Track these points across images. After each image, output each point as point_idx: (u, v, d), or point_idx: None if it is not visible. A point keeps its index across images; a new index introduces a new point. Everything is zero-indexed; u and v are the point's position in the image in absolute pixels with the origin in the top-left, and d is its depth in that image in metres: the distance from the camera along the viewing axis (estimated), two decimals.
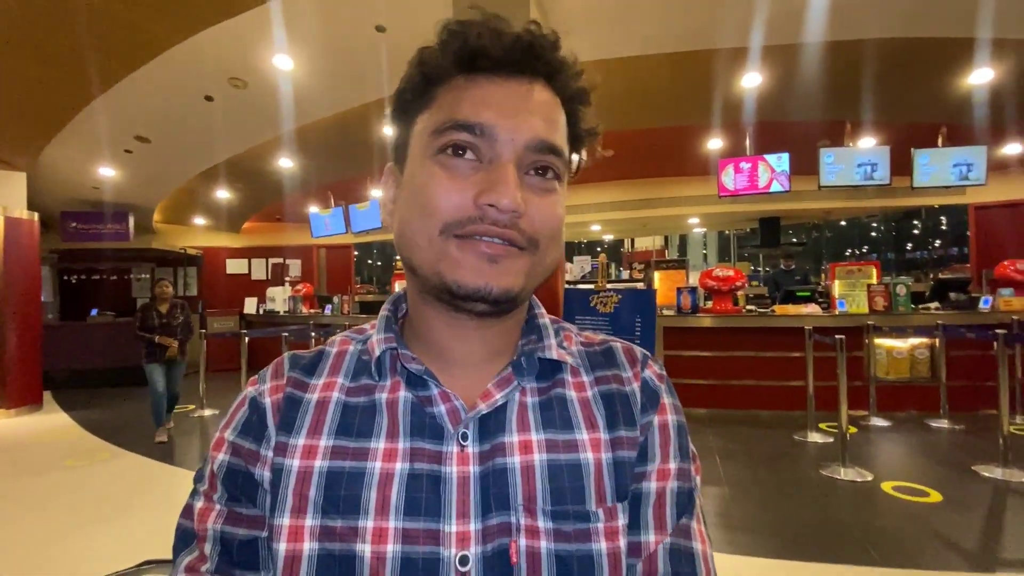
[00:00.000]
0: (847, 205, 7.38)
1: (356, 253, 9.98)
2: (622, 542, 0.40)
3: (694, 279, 6.13)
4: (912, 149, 5.17)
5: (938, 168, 5.15)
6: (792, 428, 4.16)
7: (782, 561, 2.23)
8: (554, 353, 0.45)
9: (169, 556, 0.45)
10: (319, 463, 0.40)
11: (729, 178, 5.48)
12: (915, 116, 5.12)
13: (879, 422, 4.32)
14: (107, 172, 5.99)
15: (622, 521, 0.41)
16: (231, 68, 4.05)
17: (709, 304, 5.16)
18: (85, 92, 4.20)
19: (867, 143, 5.61)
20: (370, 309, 6.92)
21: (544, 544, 0.38)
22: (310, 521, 0.39)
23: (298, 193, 7.70)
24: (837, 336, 3.42)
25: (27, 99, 4.27)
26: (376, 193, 7.80)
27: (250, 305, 8.07)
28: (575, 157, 0.48)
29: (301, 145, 5.72)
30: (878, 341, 4.59)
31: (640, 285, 5.96)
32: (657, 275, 6.19)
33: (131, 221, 7.34)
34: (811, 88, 4.40)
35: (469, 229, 0.39)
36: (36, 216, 5.74)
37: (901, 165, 5.26)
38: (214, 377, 5.82)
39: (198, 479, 0.45)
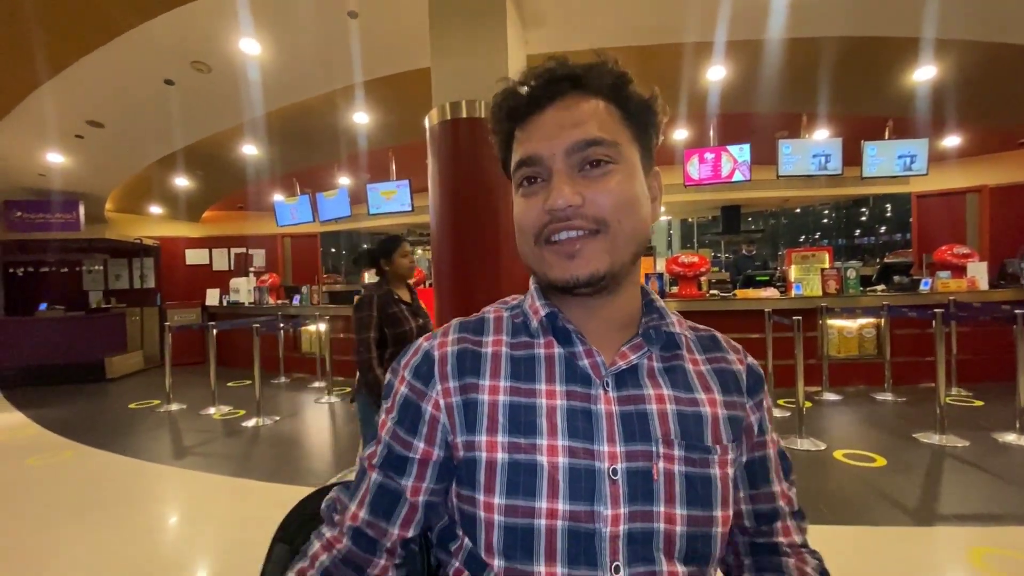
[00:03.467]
0: (803, 194, 7.75)
1: (321, 242, 9.78)
2: (730, 470, 0.55)
3: (661, 266, 6.34)
4: (862, 141, 5.49)
5: (885, 159, 5.49)
6: None
7: None
8: (676, 328, 0.59)
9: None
10: (503, 399, 0.54)
11: (694, 168, 5.68)
12: (865, 109, 5.43)
13: (831, 396, 4.64)
14: (56, 158, 5.68)
15: (731, 455, 0.56)
16: (194, 51, 3.91)
17: (675, 289, 5.37)
18: (33, 76, 3.98)
19: (821, 135, 5.91)
20: (340, 299, 6.82)
21: (677, 467, 0.52)
22: (501, 438, 0.52)
23: (262, 181, 7.48)
24: (795, 317, 3.65)
25: None
26: (344, 180, 7.67)
27: (212, 297, 7.82)
28: (647, 129, 0.57)
29: (266, 131, 5.57)
30: (830, 322, 4.91)
31: None
32: None
33: (82, 210, 6.98)
34: (771, 82, 4.61)
35: (548, 231, 0.52)
36: None
37: (852, 156, 5.58)
38: (178, 371, 5.65)
39: (386, 396, 0.60)
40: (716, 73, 4.44)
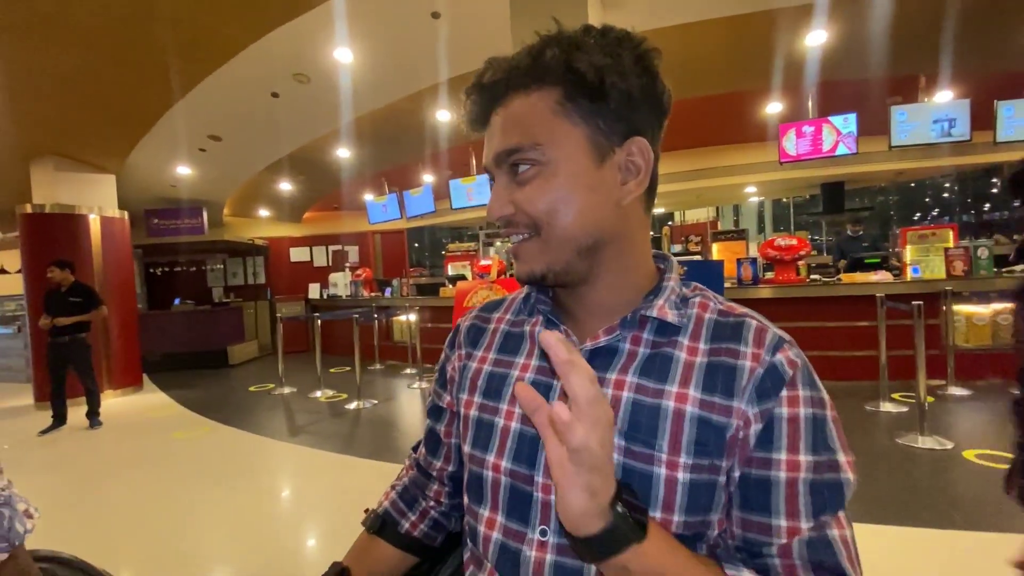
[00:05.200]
0: (921, 165, 6.93)
1: (407, 238, 10.29)
2: (683, 475, 0.48)
3: (753, 250, 5.98)
4: (995, 101, 4.80)
5: None
6: (862, 398, 4.06)
7: (863, 524, 2.25)
8: (655, 312, 0.53)
9: None
10: (486, 367, 0.63)
11: (791, 143, 5.28)
12: (998, 65, 4.74)
13: (958, 391, 4.15)
14: (184, 170, 6.45)
15: (684, 459, 0.48)
16: (295, 64, 4.25)
17: (770, 275, 5.04)
18: (167, 96, 4.53)
19: (943, 97, 5.24)
20: (426, 291, 7.15)
21: (615, 456, 0.50)
22: (477, 399, 0.62)
23: (354, 181, 8.00)
24: (914, 303, 3.30)
25: (114, 107, 4.64)
26: (428, 177, 7.99)
27: (313, 291, 8.53)
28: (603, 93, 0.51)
29: (356, 135, 5.94)
30: (957, 307, 4.37)
31: (697, 257, 5.88)
32: (715, 247, 6.08)
33: (205, 215, 7.87)
34: (881, 42, 4.15)
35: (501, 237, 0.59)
36: (126, 214, 6.26)
37: (982, 119, 4.90)
38: (287, 359, 6.23)
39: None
40: (816, 38, 4.09)
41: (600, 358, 0.54)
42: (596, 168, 0.52)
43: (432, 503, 0.73)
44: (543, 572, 0.51)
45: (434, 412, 0.72)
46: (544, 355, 0.57)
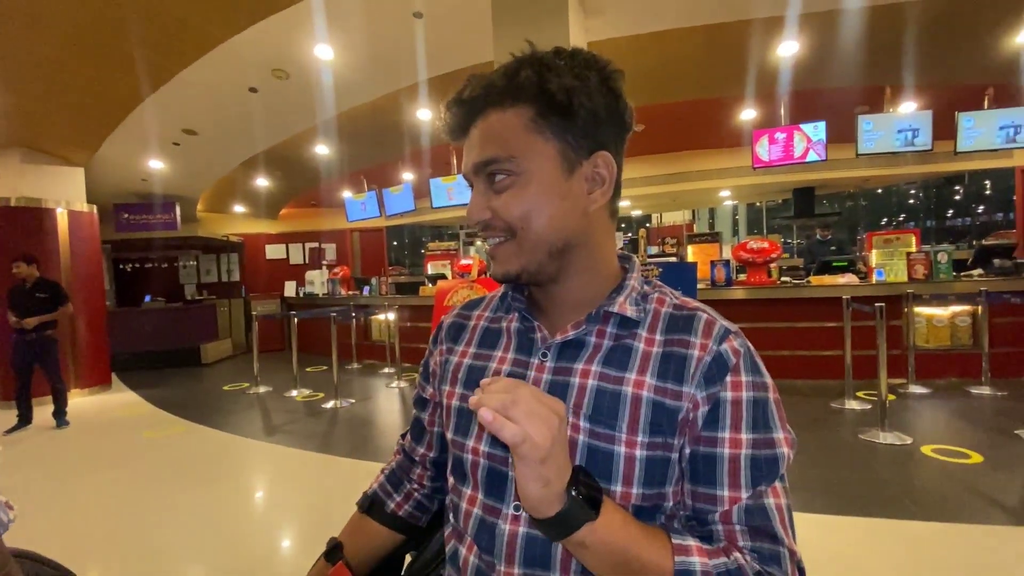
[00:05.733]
0: (886, 173, 7.19)
1: (386, 236, 10.22)
2: (640, 452, 0.54)
3: (727, 252, 6.13)
4: (956, 113, 5.03)
5: (984, 131, 5.00)
6: (829, 396, 4.22)
7: (826, 516, 2.35)
8: (615, 307, 0.60)
9: None
10: (466, 361, 0.69)
11: (764, 149, 5.44)
12: (959, 78, 4.96)
13: (918, 389, 4.34)
14: (156, 164, 6.28)
15: (643, 438, 0.54)
16: (274, 60, 4.20)
17: (743, 277, 5.18)
18: (139, 90, 4.42)
19: (908, 108, 5.46)
20: (404, 290, 7.12)
21: (581, 437, 0.56)
22: (457, 389, 0.67)
23: (333, 179, 7.90)
24: (877, 304, 3.44)
25: (85, 98, 4.51)
26: (408, 176, 7.95)
27: (289, 289, 8.40)
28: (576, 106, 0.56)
29: (337, 132, 5.88)
30: (918, 309, 4.57)
31: (673, 259, 6.00)
32: (690, 249, 6.21)
33: (178, 211, 7.68)
34: (850, 53, 4.31)
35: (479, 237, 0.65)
36: (95, 209, 6.08)
37: (944, 129, 5.12)
38: (262, 357, 6.13)
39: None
40: (788, 48, 4.22)
41: (569, 350, 0.61)
42: (565, 179, 0.57)
43: (416, 486, 0.79)
44: (516, 543, 0.57)
45: (419, 403, 0.78)
46: (522, 348, 0.64)
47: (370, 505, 0.79)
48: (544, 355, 0.61)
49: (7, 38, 3.53)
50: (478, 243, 10.31)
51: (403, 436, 0.83)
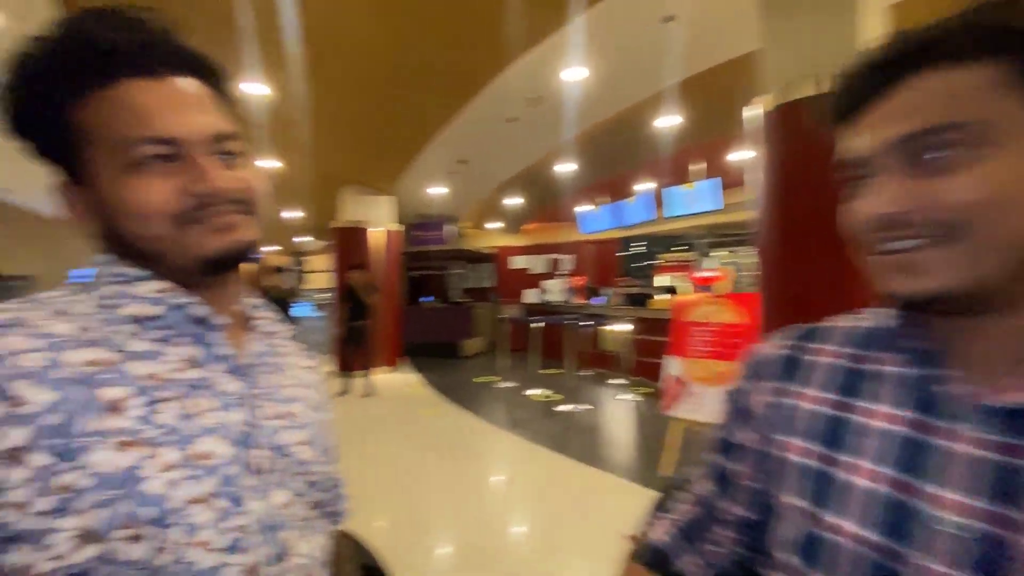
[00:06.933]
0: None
1: (619, 247, 10.36)
2: None
3: None
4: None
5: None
6: None
7: None
8: None
9: None
10: (820, 409, 0.51)
11: None
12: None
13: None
14: (438, 191, 7.70)
15: None
16: (530, 89, 4.67)
17: None
18: (429, 132, 5.48)
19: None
20: (635, 301, 7.03)
21: None
22: (806, 443, 0.51)
23: (570, 194, 8.39)
24: None
25: (389, 140, 5.80)
26: (644, 186, 7.88)
27: (528, 296, 9.26)
28: None
29: (578, 147, 6.21)
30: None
31: None
32: None
33: (451, 228, 9.29)
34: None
35: (873, 239, 0.46)
36: (403, 228, 7.82)
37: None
38: (505, 356, 6.87)
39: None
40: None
41: (1020, 421, 0.41)
42: None
43: (716, 548, 0.65)
44: None
45: (725, 448, 0.62)
46: (906, 402, 0.46)
47: (656, 559, 0.65)
48: (968, 420, 0.42)
49: (341, 101, 4.77)
50: (724, 252, 9.53)
51: (689, 482, 0.68)
